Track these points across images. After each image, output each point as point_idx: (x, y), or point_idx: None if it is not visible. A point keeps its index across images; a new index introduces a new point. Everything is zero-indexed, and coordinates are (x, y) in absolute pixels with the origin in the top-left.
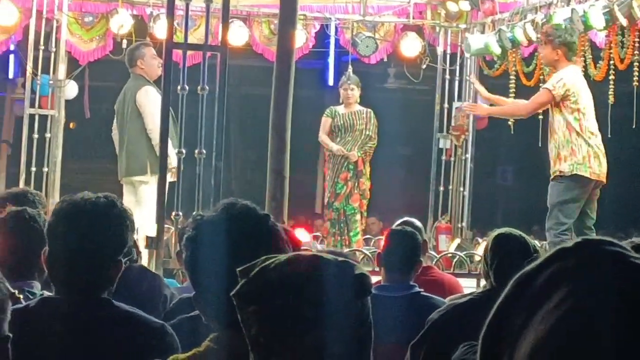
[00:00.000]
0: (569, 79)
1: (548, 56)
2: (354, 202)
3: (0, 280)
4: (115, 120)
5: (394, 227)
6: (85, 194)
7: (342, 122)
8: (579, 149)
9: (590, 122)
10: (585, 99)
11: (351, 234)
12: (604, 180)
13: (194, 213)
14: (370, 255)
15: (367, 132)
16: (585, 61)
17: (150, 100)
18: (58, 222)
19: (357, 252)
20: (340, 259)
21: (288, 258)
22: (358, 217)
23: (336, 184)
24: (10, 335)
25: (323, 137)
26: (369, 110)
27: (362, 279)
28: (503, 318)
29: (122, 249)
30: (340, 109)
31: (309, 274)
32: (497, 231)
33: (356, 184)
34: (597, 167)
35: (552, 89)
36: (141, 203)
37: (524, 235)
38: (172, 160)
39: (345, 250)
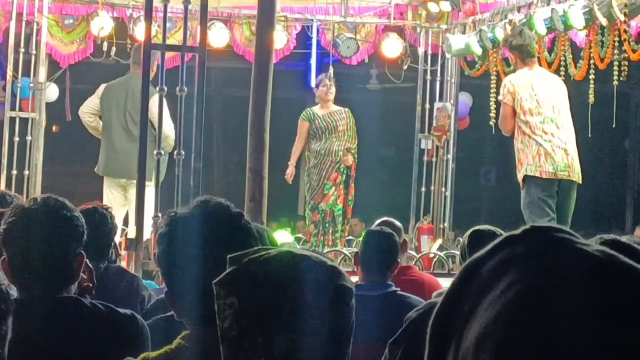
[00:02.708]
0: (511, 83)
1: (510, 60)
2: (341, 203)
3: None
4: (95, 107)
5: (372, 227)
6: (33, 197)
7: (324, 123)
8: (530, 150)
9: (546, 121)
10: (537, 99)
11: (337, 234)
12: (572, 178)
13: (168, 210)
14: (349, 255)
15: (350, 133)
16: (565, 61)
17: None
18: (10, 228)
19: (337, 253)
20: (329, 263)
21: (277, 254)
22: (341, 218)
23: (325, 185)
24: None
25: (296, 146)
26: (346, 109)
27: (343, 289)
28: (451, 306)
29: (79, 242)
30: (318, 110)
31: (294, 275)
32: (473, 228)
33: (346, 188)
34: (549, 166)
35: (502, 98)
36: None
37: (500, 231)
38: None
39: (326, 250)
